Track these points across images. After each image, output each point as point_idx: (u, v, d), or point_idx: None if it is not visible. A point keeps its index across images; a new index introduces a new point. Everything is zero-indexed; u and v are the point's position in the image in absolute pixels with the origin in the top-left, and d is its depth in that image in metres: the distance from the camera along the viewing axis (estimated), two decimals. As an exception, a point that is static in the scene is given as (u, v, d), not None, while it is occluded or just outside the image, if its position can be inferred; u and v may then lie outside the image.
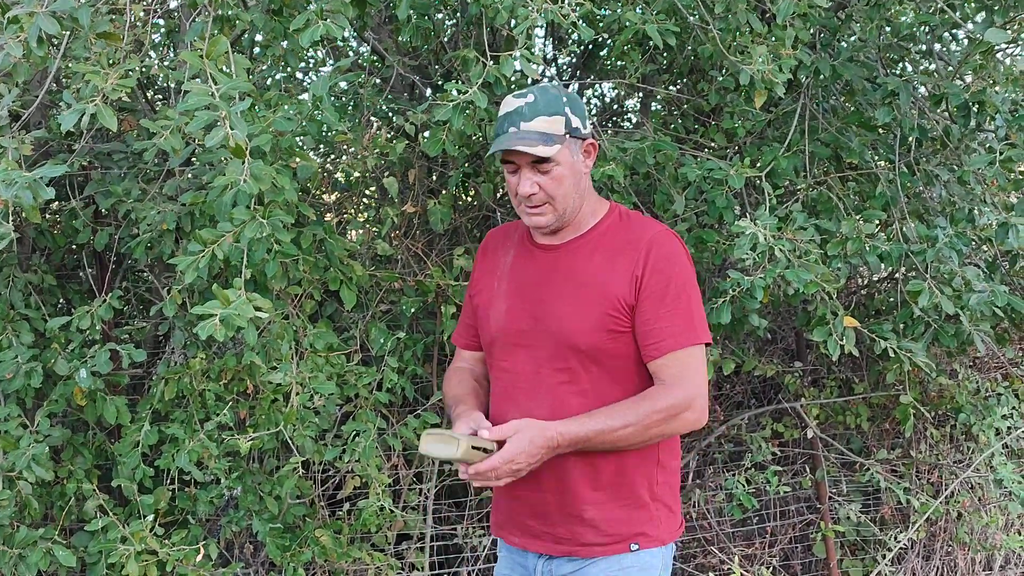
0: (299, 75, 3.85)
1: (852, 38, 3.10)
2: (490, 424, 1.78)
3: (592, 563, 1.86)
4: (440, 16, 3.35)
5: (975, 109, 2.61)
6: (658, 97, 3.66)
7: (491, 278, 1.99)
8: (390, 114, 3.23)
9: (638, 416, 1.76)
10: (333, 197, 3.38)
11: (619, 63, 3.70)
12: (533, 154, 1.79)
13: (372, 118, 3.23)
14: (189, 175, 2.63)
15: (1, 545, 2.49)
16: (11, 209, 1.92)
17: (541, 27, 3.66)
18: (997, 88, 2.60)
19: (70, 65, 2.06)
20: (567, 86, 3.63)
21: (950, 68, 3.07)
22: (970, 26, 2.57)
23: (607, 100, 4.09)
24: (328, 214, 3.30)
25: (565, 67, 3.93)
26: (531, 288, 1.91)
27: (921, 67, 3.32)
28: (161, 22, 3.18)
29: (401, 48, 3.43)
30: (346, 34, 3.66)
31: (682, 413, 1.78)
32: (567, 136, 1.83)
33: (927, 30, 2.93)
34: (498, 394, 1.96)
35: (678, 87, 3.62)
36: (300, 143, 2.40)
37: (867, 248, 2.67)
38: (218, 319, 1.86)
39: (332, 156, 3.39)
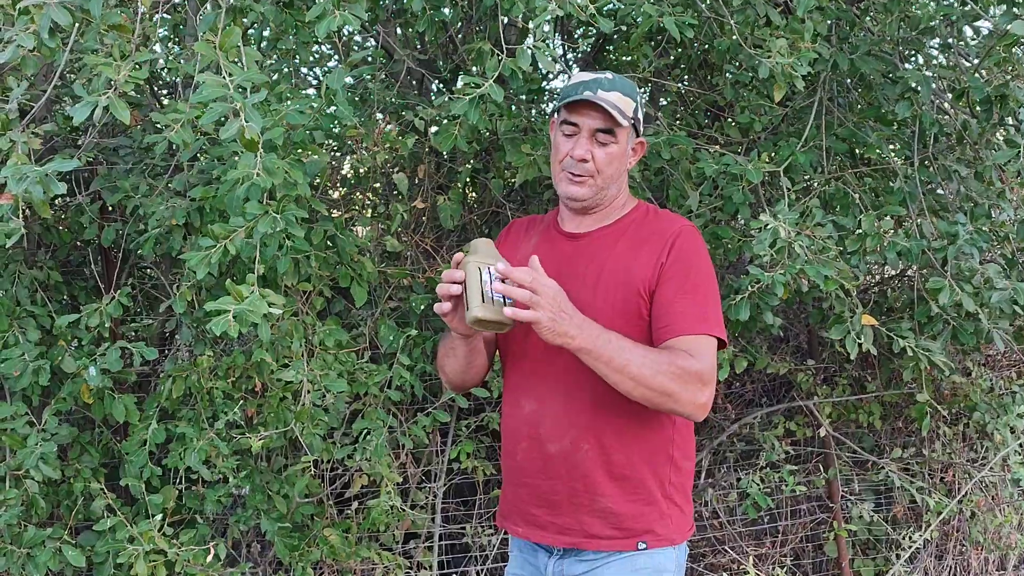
0: (304, 70, 3.82)
1: (862, 33, 3.07)
2: None
3: (605, 565, 1.83)
4: (449, 11, 3.31)
5: (997, 103, 2.57)
6: (667, 92, 3.63)
7: (511, 262, 1.96)
8: (400, 109, 3.19)
9: (657, 357, 1.69)
10: (338, 194, 3.35)
11: (627, 59, 3.67)
12: (611, 115, 1.79)
13: (379, 113, 3.20)
14: (196, 170, 2.60)
15: (9, 544, 2.46)
16: (20, 204, 1.88)
17: (550, 22, 3.64)
18: (1020, 82, 2.56)
19: (83, 58, 2.02)
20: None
21: (966, 62, 3.03)
22: (995, 17, 2.53)
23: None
24: (335, 210, 3.27)
25: (573, 63, 3.89)
26: (553, 274, 1.87)
27: (935, 61, 3.29)
28: (167, 16, 3.14)
29: (410, 42, 3.39)
30: (352, 28, 3.63)
31: (692, 383, 1.69)
32: (632, 122, 1.85)
33: (945, 23, 2.89)
34: (512, 379, 1.93)
35: (687, 82, 3.59)
36: (312, 137, 2.36)
37: (886, 245, 2.63)
38: (231, 316, 1.82)
39: (339, 152, 3.35)
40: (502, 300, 1.65)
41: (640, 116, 1.88)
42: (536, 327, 1.62)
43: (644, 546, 1.81)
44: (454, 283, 1.70)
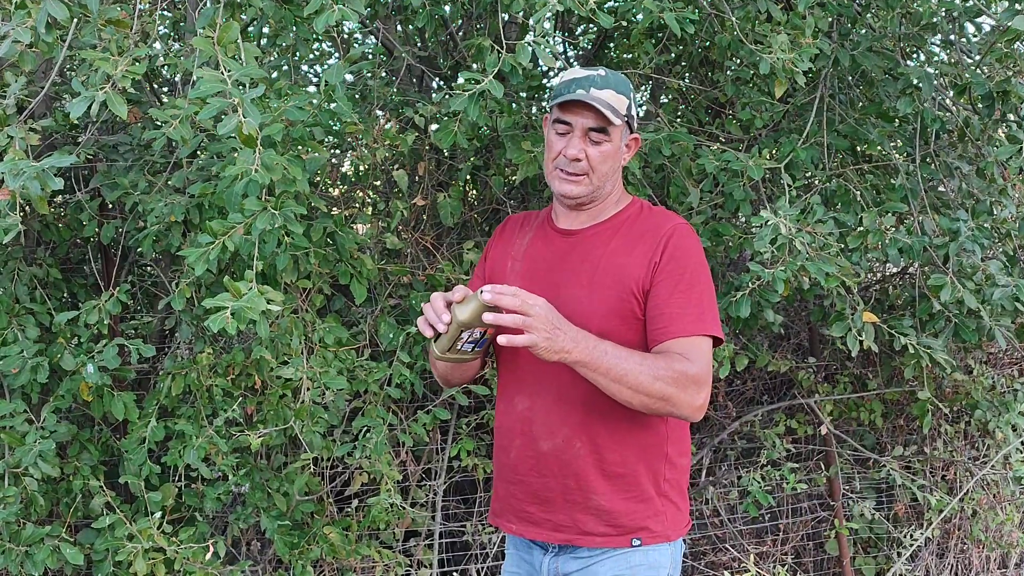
0: (304, 67, 3.81)
1: (864, 30, 3.06)
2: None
3: (599, 561, 1.83)
4: (450, 7, 3.31)
5: (999, 99, 2.57)
6: (667, 88, 3.62)
7: (505, 259, 1.97)
8: (400, 106, 3.19)
9: (654, 363, 1.69)
10: (339, 191, 3.35)
11: (628, 56, 3.66)
12: (603, 114, 1.78)
13: (379, 111, 3.19)
14: (196, 166, 2.59)
15: (7, 542, 2.46)
16: (18, 200, 1.88)
17: (550, 19, 3.62)
18: (1021, 78, 2.55)
19: (79, 52, 2.01)
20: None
21: (968, 59, 3.02)
22: (997, 13, 2.52)
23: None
24: (335, 207, 3.27)
25: (574, 60, 3.89)
26: (546, 271, 1.88)
27: (936, 57, 3.28)
28: (167, 12, 3.14)
29: (409, 39, 3.38)
30: (353, 25, 3.63)
31: (690, 386, 1.69)
32: (625, 119, 1.83)
33: (947, 19, 2.88)
34: (506, 377, 1.93)
35: (688, 78, 3.58)
36: (311, 133, 2.35)
37: (888, 241, 2.62)
38: (229, 312, 1.82)
39: (339, 149, 3.35)
40: (470, 348, 1.75)
41: (634, 112, 1.87)
42: (532, 349, 1.61)
43: (639, 543, 1.81)
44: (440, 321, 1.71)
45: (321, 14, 1.87)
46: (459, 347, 1.74)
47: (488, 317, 1.61)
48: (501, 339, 1.60)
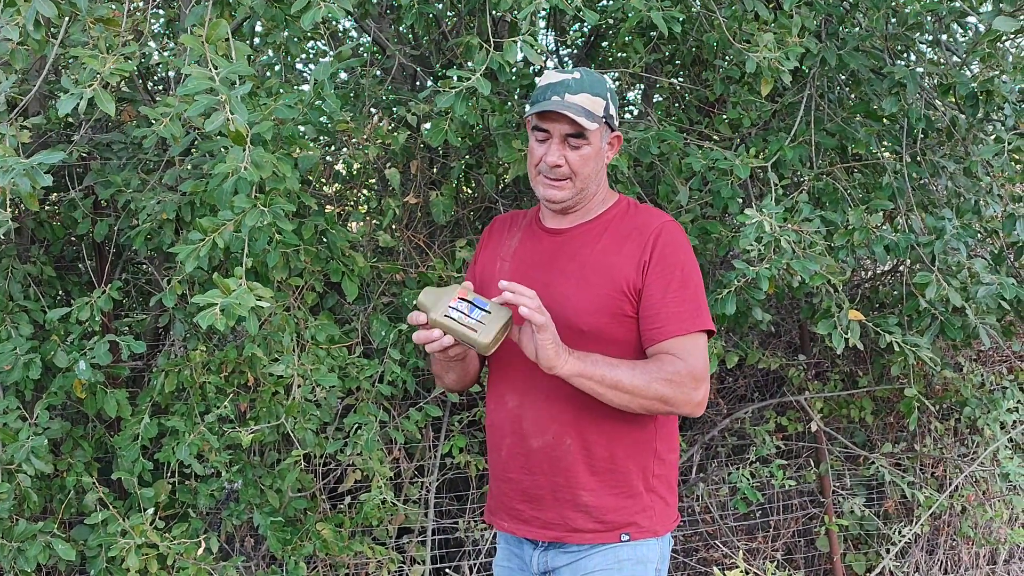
0: (299, 66, 3.83)
1: (856, 29, 3.08)
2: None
3: (588, 556, 1.85)
4: (441, 5, 3.32)
5: (983, 98, 2.59)
6: (660, 87, 3.64)
7: (494, 259, 1.98)
8: (392, 105, 3.20)
9: (646, 369, 1.73)
10: (333, 189, 3.36)
11: (621, 54, 3.68)
12: (577, 122, 1.79)
13: (372, 109, 3.20)
14: (189, 164, 2.61)
15: (0, 539, 2.47)
16: (8, 197, 1.90)
17: (542, 18, 3.64)
18: (1005, 77, 2.57)
19: (68, 51, 2.03)
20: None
21: (956, 58, 3.04)
22: (981, 14, 2.54)
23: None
24: (328, 206, 3.28)
25: (567, 58, 3.90)
26: (535, 270, 1.90)
27: (926, 57, 3.30)
28: (161, 11, 3.16)
29: (402, 38, 3.40)
30: (347, 24, 3.64)
31: (687, 383, 1.74)
32: (603, 120, 1.85)
33: (934, 19, 2.90)
34: (496, 376, 1.95)
35: (680, 78, 3.60)
36: (301, 132, 2.37)
37: (874, 239, 2.64)
38: (219, 309, 1.83)
39: (332, 147, 3.37)
40: (479, 316, 1.70)
41: (613, 112, 1.88)
42: (541, 344, 1.65)
43: (627, 538, 1.83)
44: (438, 339, 1.71)
45: (308, 11, 1.89)
46: (474, 324, 1.68)
47: (509, 296, 1.63)
48: (523, 311, 1.63)
